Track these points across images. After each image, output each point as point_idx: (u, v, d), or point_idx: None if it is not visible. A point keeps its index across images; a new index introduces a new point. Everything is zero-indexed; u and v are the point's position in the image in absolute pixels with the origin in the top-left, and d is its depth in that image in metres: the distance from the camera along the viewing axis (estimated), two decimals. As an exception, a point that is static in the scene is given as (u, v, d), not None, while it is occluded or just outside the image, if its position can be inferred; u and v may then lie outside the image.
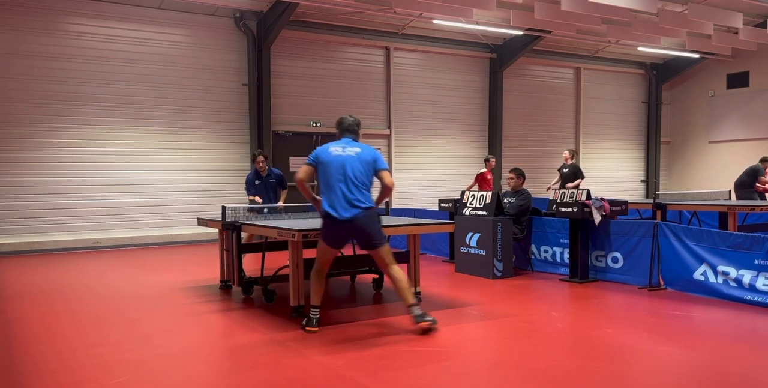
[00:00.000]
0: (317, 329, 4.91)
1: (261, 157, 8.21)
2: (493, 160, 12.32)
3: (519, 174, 8.08)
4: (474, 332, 4.91)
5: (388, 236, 6.74)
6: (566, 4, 10.59)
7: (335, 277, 7.14)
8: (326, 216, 4.80)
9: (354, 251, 7.37)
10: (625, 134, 18.20)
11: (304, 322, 4.97)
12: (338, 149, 4.87)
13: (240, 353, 4.38)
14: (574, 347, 4.48)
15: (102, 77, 11.23)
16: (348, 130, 5.04)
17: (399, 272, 4.99)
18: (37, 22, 10.68)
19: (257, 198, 8.19)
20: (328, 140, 14.84)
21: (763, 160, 12.07)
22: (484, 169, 12.04)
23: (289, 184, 8.76)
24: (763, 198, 11.91)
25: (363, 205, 4.78)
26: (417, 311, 4.88)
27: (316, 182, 5.44)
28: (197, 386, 3.74)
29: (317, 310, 4.97)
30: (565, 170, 12.11)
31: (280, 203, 8.37)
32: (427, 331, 4.86)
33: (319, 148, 4.94)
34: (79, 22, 11.02)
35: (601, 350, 4.38)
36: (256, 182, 8.23)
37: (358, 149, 4.89)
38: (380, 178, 4.91)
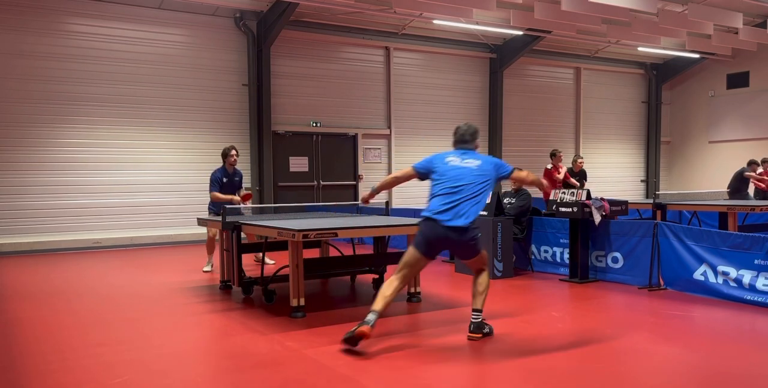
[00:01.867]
0: (367, 330, 4.27)
1: (234, 151, 7.95)
2: (561, 153, 11.48)
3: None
4: (474, 332, 4.91)
5: (388, 237, 6.77)
6: (566, 4, 10.58)
7: (335, 277, 7.14)
8: (426, 221, 4.47)
9: (354, 251, 7.37)
10: (625, 134, 18.19)
11: (356, 326, 4.34)
12: (455, 159, 4.60)
13: (240, 353, 4.38)
14: (574, 347, 4.48)
15: (102, 77, 11.22)
16: (461, 141, 4.72)
17: (484, 276, 4.77)
18: (37, 22, 10.68)
19: (234, 197, 7.86)
20: (328, 140, 14.81)
21: (750, 163, 12.08)
22: (551, 165, 11.41)
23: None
24: (764, 198, 11.91)
25: (467, 219, 4.46)
26: (479, 318, 4.69)
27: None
28: (197, 386, 3.74)
29: (375, 314, 4.39)
30: (576, 178, 11.70)
31: (237, 198, 7.97)
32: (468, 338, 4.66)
33: (435, 156, 4.67)
34: (79, 22, 11.02)
35: (601, 350, 4.38)
36: (224, 180, 7.93)
37: (477, 162, 4.59)
38: (520, 180, 4.87)
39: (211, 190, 7.89)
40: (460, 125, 4.80)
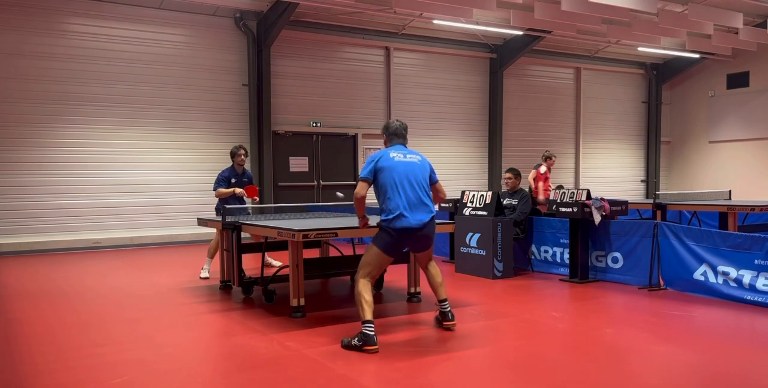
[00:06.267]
0: (377, 346, 4.37)
1: (243, 151, 7.87)
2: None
3: (516, 174, 8.08)
4: (474, 332, 4.91)
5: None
6: (566, 4, 10.58)
7: (335, 277, 7.14)
8: (394, 228, 4.57)
9: (354, 251, 7.37)
10: (625, 134, 18.20)
11: (356, 341, 4.40)
12: (399, 155, 4.74)
13: (240, 353, 4.38)
14: (574, 347, 4.48)
15: (102, 77, 11.22)
16: (396, 134, 4.91)
17: (436, 267, 5.05)
18: (37, 22, 10.68)
19: (237, 189, 7.74)
20: (328, 140, 14.78)
21: None
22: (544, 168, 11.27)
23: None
24: None
25: (433, 211, 4.77)
26: (448, 307, 4.97)
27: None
28: (197, 385, 3.74)
29: (372, 325, 4.43)
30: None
31: (240, 189, 7.88)
32: (446, 328, 4.96)
33: (375, 156, 4.72)
34: (79, 22, 11.02)
35: (601, 350, 4.39)
36: (232, 180, 7.86)
37: (418, 157, 4.82)
38: (436, 191, 4.94)
39: (214, 188, 7.83)
40: (392, 121, 4.98)
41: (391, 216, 4.58)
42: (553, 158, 11.35)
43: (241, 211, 7.67)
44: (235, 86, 12.45)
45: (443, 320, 4.95)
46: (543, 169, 10.98)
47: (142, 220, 11.64)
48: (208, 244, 11.28)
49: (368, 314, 4.44)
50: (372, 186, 4.72)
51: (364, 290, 4.56)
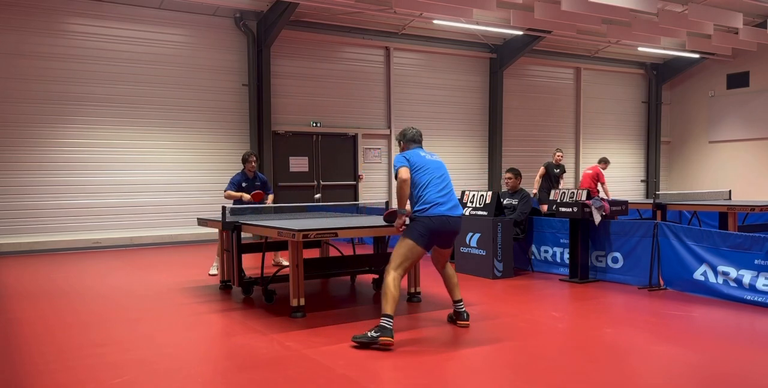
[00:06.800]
0: (393, 340, 4.45)
1: (253, 158, 8.04)
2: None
3: (517, 174, 8.09)
4: (474, 332, 4.91)
5: (388, 237, 6.77)
6: (566, 4, 10.58)
7: (335, 277, 7.14)
8: (432, 215, 4.70)
9: (354, 251, 7.37)
10: (625, 134, 18.20)
11: (372, 332, 4.45)
12: (426, 154, 4.96)
13: (240, 353, 4.38)
14: (574, 347, 4.48)
15: (102, 77, 11.22)
16: (413, 140, 5.09)
17: (452, 268, 5.16)
18: (37, 22, 10.68)
19: (245, 194, 7.88)
20: (328, 140, 14.77)
21: None
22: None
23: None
24: None
25: (461, 208, 4.97)
26: (463, 307, 5.10)
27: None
28: (197, 385, 3.74)
29: (391, 319, 4.52)
30: (556, 170, 12.22)
31: (269, 201, 8.16)
32: (460, 326, 5.08)
33: (405, 154, 4.91)
34: (79, 22, 11.01)
35: (601, 350, 4.39)
36: (243, 184, 8.01)
37: (438, 158, 5.07)
38: None
39: (225, 190, 8.00)
40: (408, 128, 5.15)
41: (427, 205, 4.72)
42: (607, 163, 12.80)
43: (253, 210, 7.73)
44: (235, 86, 12.45)
45: (458, 319, 5.09)
46: (602, 170, 12.45)
47: (142, 220, 11.64)
48: (208, 244, 11.31)
49: (390, 308, 4.51)
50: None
51: (393, 284, 4.60)
